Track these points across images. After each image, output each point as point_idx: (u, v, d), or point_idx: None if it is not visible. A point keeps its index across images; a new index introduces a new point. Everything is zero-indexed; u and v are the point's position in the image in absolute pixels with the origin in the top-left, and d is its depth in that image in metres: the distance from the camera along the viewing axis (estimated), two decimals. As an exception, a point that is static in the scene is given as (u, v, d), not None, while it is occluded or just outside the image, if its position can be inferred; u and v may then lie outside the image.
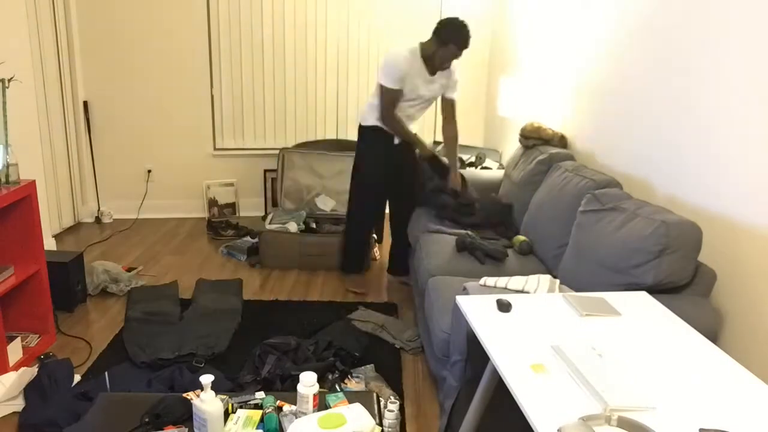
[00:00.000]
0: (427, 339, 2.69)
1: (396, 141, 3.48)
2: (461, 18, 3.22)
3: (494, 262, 2.82)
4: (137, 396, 1.92)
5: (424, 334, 2.81)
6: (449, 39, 3.17)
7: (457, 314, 2.12)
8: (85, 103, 4.70)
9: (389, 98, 3.27)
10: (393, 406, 1.91)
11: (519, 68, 4.30)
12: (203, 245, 4.37)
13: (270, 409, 1.78)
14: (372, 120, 3.43)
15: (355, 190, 3.64)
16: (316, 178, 4.48)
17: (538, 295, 1.98)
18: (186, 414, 1.78)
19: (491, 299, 1.85)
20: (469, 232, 3.12)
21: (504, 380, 1.45)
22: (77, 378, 2.64)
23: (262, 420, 1.76)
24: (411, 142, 3.44)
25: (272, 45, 4.77)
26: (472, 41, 3.38)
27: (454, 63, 3.39)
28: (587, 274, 2.32)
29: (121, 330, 3.06)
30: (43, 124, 4.14)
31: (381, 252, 4.29)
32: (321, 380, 2.51)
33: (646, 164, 2.67)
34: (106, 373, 2.61)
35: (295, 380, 2.42)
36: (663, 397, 1.38)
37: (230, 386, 2.54)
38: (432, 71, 3.32)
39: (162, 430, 1.74)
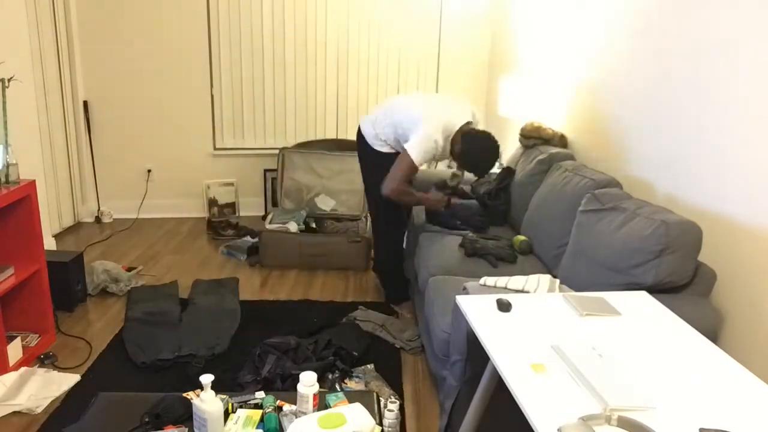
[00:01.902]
0: (427, 339, 2.69)
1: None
2: (490, 138, 2.98)
3: (506, 264, 2.82)
4: (137, 396, 1.92)
5: (424, 334, 2.81)
6: (470, 166, 3.01)
7: (457, 314, 2.12)
8: (85, 103, 4.70)
9: (410, 173, 2.99)
10: (393, 406, 1.91)
11: (519, 68, 4.30)
12: (203, 245, 4.37)
13: (270, 409, 1.78)
14: (387, 148, 3.16)
15: (384, 215, 3.30)
16: (316, 177, 4.48)
17: (538, 294, 1.98)
18: (186, 414, 1.78)
19: (491, 299, 1.85)
20: (470, 233, 3.12)
21: (504, 380, 1.45)
22: (77, 378, 2.64)
23: (262, 420, 1.76)
24: (421, 204, 3.21)
25: (272, 45, 4.77)
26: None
27: None
28: (587, 273, 2.32)
29: (121, 330, 3.06)
30: (43, 124, 4.14)
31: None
32: (321, 380, 2.51)
33: (646, 164, 2.67)
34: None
35: (295, 380, 2.42)
36: (663, 397, 1.38)
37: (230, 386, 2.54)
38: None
39: (162, 429, 1.74)
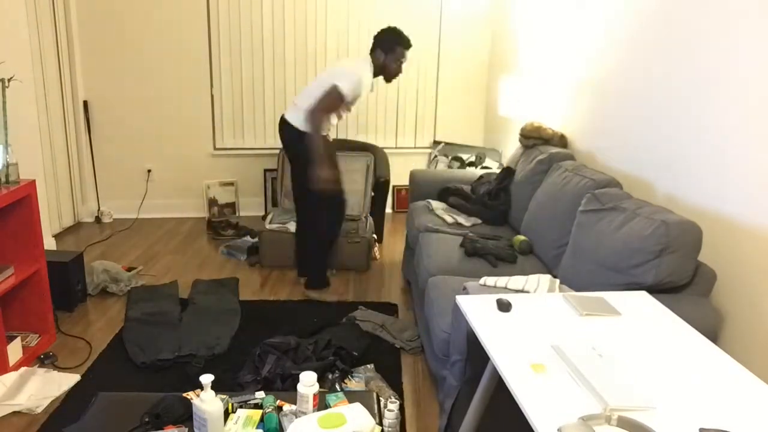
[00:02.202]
0: (427, 339, 2.69)
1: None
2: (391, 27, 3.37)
3: (506, 264, 2.82)
4: (137, 396, 1.92)
5: (424, 334, 2.81)
6: (394, 44, 3.32)
7: (457, 314, 2.12)
8: (85, 103, 4.70)
9: (335, 105, 3.27)
10: (393, 406, 1.91)
11: (519, 68, 4.30)
12: (203, 245, 4.37)
13: (270, 409, 1.78)
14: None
15: (314, 199, 3.44)
16: (316, 177, 4.47)
17: (538, 294, 1.98)
18: (186, 414, 1.78)
19: (491, 299, 1.85)
20: (469, 233, 3.12)
21: (504, 380, 1.45)
22: (77, 378, 2.64)
23: (262, 420, 1.76)
24: (319, 145, 3.29)
25: (272, 45, 4.78)
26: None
27: None
28: (587, 273, 2.32)
29: (121, 330, 3.06)
30: (43, 124, 4.14)
31: (381, 252, 4.30)
32: (321, 380, 2.51)
33: (646, 164, 2.67)
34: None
35: (296, 380, 2.42)
36: (663, 397, 1.38)
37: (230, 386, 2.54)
38: (387, 79, 3.45)
39: (162, 429, 1.73)
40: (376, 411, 1.86)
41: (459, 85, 5.03)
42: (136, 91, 4.75)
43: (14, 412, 2.41)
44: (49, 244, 4.01)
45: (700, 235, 2.06)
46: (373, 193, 4.27)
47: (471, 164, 4.76)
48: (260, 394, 1.88)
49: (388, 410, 1.90)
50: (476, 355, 2.07)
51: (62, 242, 4.33)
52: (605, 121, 3.07)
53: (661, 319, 1.78)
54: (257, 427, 1.73)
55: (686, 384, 1.44)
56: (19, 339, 2.74)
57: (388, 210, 5.16)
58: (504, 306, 1.78)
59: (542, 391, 1.38)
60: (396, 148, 5.11)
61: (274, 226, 3.99)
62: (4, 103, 2.66)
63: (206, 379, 1.67)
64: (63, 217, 4.49)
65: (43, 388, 2.55)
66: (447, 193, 3.67)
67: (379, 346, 2.97)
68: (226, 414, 1.76)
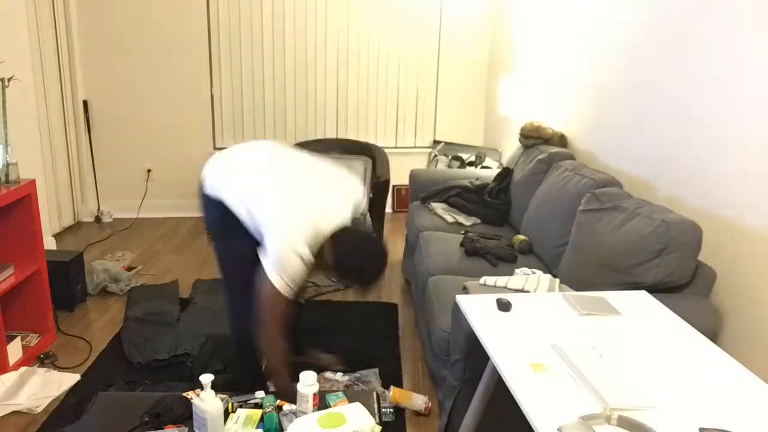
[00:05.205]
0: (427, 339, 2.69)
1: None
2: (371, 239, 2.13)
3: (506, 264, 2.83)
4: (137, 395, 1.92)
5: (424, 333, 2.81)
6: (354, 274, 2.10)
7: (457, 313, 2.12)
8: (85, 103, 4.70)
9: (280, 306, 2.05)
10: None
11: (519, 67, 4.29)
12: (203, 244, 4.36)
13: (270, 409, 1.78)
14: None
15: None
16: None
17: (538, 294, 1.98)
18: (186, 413, 1.78)
19: (491, 298, 1.85)
20: (469, 232, 3.12)
21: (504, 379, 1.45)
22: (77, 378, 2.64)
23: (262, 419, 1.76)
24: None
25: (272, 45, 4.77)
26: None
27: None
28: (587, 273, 2.32)
29: (121, 329, 3.06)
30: (43, 124, 4.14)
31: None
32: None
33: (646, 164, 2.67)
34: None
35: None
36: (663, 396, 1.38)
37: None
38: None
39: (162, 429, 1.73)
40: (376, 411, 1.86)
41: (459, 85, 5.03)
42: (136, 91, 4.75)
43: (14, 412, 2.41)
44: (49, 243, 4.01)
45: (700, 235, 2.06)
46: (371, 195, 4.26)
47: (471, 164, 4.76)
48: (260, 394, 1.88)
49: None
50: (476, 355, 2.07)
51: (62, 242, 4.33)
52: (605, 121, 3.07)
53: (661, 318, 1.78)
54: (257, 427, 1.73)
55: (686, 384, 1.44)
56: (19, 339, 2.74)
57: (388, 210, 5.16)
58: (504, 306, 1.78)
59: (542, 391, 1.38)
60: (396, 147, 5.11)
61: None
62: (4, 103, 2.66)
63: (206, 378, 1.67)
64: (63, 216, 4.49)
65: (43, 387, 2.55)
66: (437, 195, 3.67)
67: (380, 347, 2.96)
68: (226, 414, 1.76)
